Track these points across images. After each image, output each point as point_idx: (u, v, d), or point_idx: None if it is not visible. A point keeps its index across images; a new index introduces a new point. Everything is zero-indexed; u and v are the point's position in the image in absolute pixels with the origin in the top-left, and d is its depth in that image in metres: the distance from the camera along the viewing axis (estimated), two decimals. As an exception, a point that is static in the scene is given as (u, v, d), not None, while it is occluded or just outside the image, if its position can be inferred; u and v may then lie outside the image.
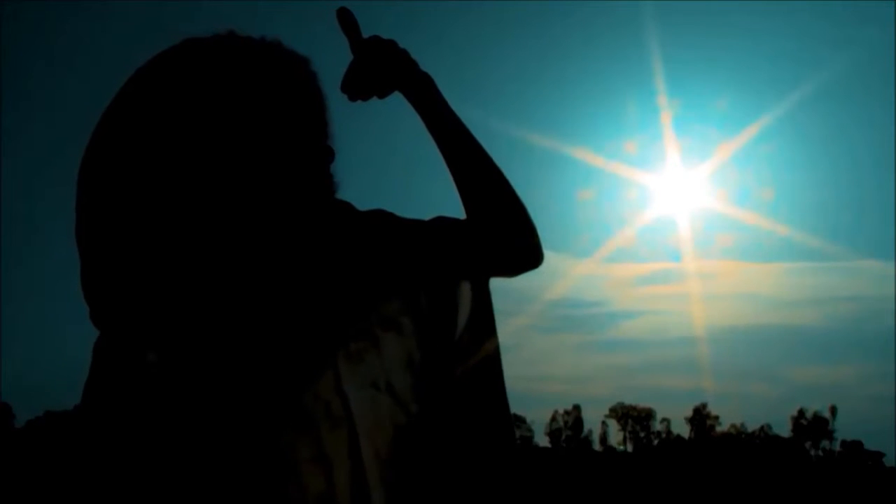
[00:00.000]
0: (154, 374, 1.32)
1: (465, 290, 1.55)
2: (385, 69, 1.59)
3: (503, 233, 1.61)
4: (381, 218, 1.56)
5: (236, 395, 1.32)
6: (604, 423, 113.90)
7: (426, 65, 1.65)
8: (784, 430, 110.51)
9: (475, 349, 1.52)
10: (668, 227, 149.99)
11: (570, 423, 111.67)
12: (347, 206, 1.54)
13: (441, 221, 1.61)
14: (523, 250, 1.64)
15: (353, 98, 1.60)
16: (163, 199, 1.35)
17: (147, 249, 1.34)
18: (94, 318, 1.38)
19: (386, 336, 1.42)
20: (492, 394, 1.53)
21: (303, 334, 1.37)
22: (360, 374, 1.38)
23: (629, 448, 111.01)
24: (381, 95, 1.63)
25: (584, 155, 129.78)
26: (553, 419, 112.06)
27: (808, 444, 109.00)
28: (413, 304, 1.46)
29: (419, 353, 1.45)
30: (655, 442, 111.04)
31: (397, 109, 1.63)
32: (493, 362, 1.55)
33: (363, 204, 1.57)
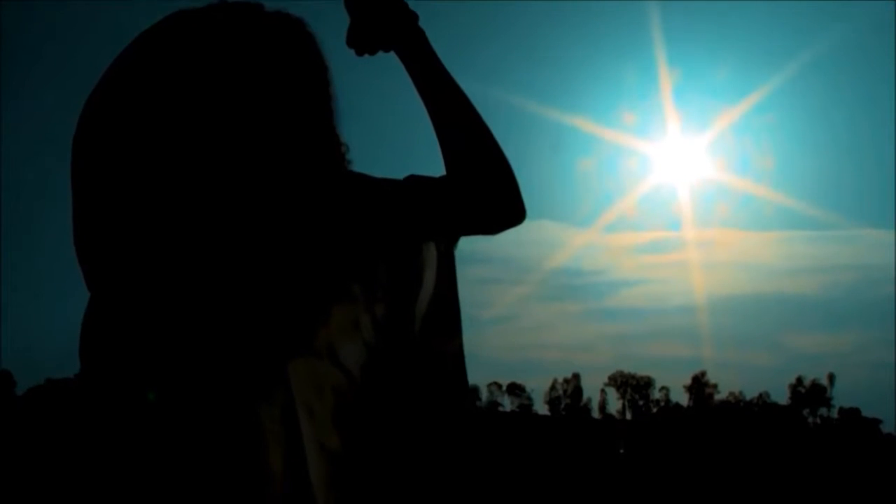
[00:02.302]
0: (142, 338, 1.33)
1: (431, 260, 1.55)
2: (378, 23, 1.59)
3: (485, 186, 1.58)
4: (354, 181, 1.55)
5: (201, 360, 1.32)
6: (603, 391, 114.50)
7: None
8: (782, 397, 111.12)
9: (438, 323, 1.52)
10: (667, 196, 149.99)
11: (569, 392, 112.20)
12: (351, 174, 1.56)
13: (413, 180, 1.58)
14: (505, 205, 1.60)
15: (359, 53, 1.61)
16: (157, 163, 1.35)
17: (141, 212, 1.35)
18: (88, 280, 1.38)
19: (334, 303, 1.41)
20: (449, 363, 1.53)
21: (260, 299, 1.36)
22: (302, 341, 1.37)
23: (628, 416, 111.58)
24: (386, 49, 1.62)
25: (584, 124, 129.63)
26: (552, 387, 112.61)
27: (805, 412, 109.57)
28: (367, 272, 1.45)
29: (368, 319, 1.42)
30: (654, 410, 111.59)
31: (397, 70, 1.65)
32: (454, 336, 1.55)
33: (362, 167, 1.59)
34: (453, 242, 1.61)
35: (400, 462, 1.42)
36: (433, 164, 1.63)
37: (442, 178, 1.60)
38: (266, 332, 1.35)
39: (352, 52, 1.62)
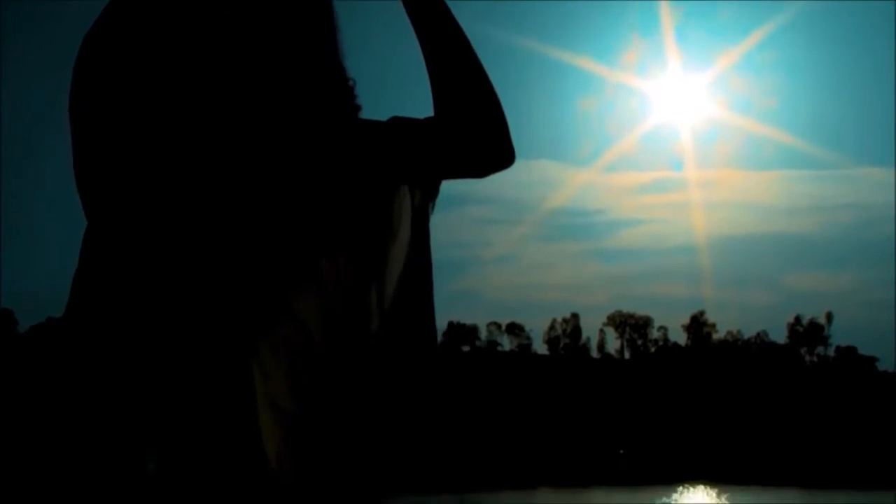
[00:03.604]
0: (134, 273, 1.33)
1: (405, 210, 1.54)
2: None
3: (473, 126, 1.54)
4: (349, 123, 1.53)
5: (186, 302, 1.32)
6: (602, 330, 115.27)
7: None
8: (780, 336, 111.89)
9: (409, 291, 1.51)
10: (669, 135, 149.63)
11: (568, 331, 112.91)
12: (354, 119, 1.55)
13: (396, 121, 1.56)
14: (493, 146, 1.57)
15: None
16: (157, 96, 1.35)
17: (140, 143, 1.35)
18: (87, 210, 1.38)
19: (296, 255, 1.40)
20: (417, 326, 1.52)
21: (239, 248, 1.37)
22: (265, 297, 1.37)
23: (626, 355, 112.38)
24: None
25: (584, 63, 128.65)
26: (551, 327, 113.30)
27: (803, 351, 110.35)
28: (333, 221, 1.44)
29: (332, 273, 1.41)
30: (652, 349, 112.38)
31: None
32: (425, 305, 1.54)
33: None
34: (432, 192, 1.60)
35: (358, 422, 1.42)
36: (427, 108, 1.67)
37: (427, 119, 1.57)
38: (240, 284, 1.35)
39: None
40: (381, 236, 1.47)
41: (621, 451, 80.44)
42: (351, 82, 1.50)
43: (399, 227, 1.50)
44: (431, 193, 1.57)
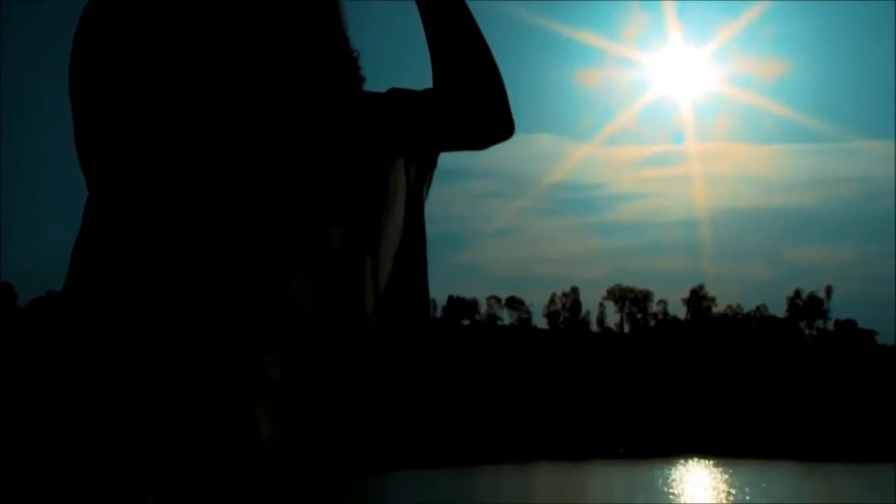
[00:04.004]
0: (139, 238, 1.34)
1: (399, 185, 1.51)
2: None
3: (473, 97, 1.54)
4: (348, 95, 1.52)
5: (185, 276, 1.33)
6: (601, 304, 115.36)
7: None
8: (780, 310, 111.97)
9: (404, 272, 1.50)
10: (669, 108, 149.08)
11: (567, 305, 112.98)
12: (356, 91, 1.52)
13: (394, 93, 1.54)
14: (493, 118, 1.55)
15: None
16: (157, 66, 1.35)
17: (140, 113, 1.34)
18: (87, 177, 1.39)
19: (291, 229, 1.40)
20: (411, 307, 1.51)
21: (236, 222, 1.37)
22: (259, 270, 1.37)
23: (626, 329, 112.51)
24: None
25: (585, 36, 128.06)
26: (551, 301, 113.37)
27: (802, 324, 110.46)
28: (328, 195, 1.43)
29: (324, 247, 1.41)
30: (652, 323, 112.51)
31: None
32: (420, 289, 1.52)
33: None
34: (430, 164, 1.56)
35: (351, 398, 1.40)
36: (425, 80, 1.59)
37: (426, 90, 1.55)
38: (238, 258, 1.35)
39: None
40: (375, 210, 1.46)
41: (621, 451, 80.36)
42: (355, 53, 1.49)
43: (394, 202, 1.49)
44: (429, 166, 1.57)
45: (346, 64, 1.49)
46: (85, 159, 1.38)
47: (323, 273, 1.39)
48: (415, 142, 1.53)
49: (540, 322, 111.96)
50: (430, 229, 1.56)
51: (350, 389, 1.40)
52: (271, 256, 1.36)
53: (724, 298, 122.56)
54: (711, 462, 65.65)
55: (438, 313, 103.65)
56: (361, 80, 1.51)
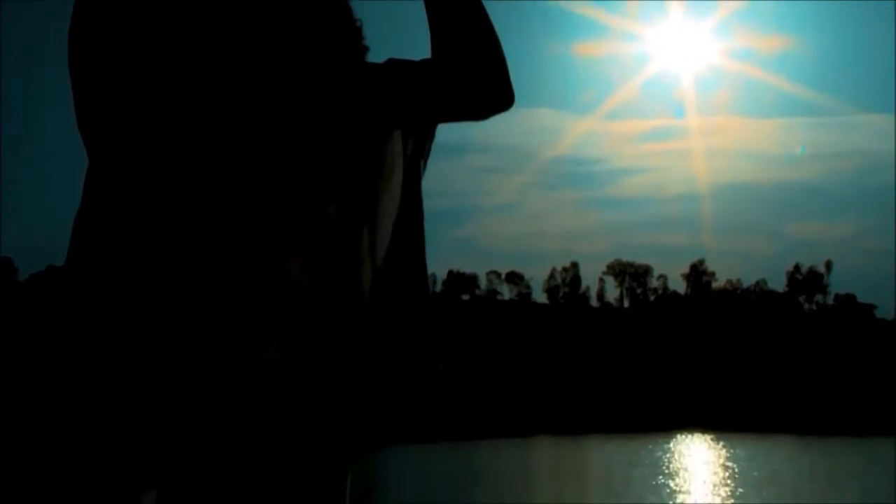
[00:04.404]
0: (139, 208, 1.33)
1: (397, 156, 1.48)
2: None
3: (472, 67, 1.51)
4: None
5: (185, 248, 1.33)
6: (601, 279, 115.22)
7: None
8: (779, 285, 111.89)
9: (401, 248, 1.48)
10: (670, 82, 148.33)
11: (567, 280, 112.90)
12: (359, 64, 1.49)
13: (392, 63, 1.53)
14: (492, 88, 1.53)
15: None
16: (158, 30, 1.35)
17: (140, 75, 1.34)
18: (88, 145, 1.38)
19: (287, 205, 1.38)
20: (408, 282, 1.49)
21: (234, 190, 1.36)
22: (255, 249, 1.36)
23: (626, 304, 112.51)
24: None
25: (585, 10, 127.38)
26: (551, 276, 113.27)
27: (801, 299, 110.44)
28: (325, 165, 1.41)
29: (319, 219, 1.40)
30: (652, 298, 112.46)
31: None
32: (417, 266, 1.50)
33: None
34: (429, 135, 1.54)
35: (348, 372, 1.39)
36: (423, 52, 1.58)
37: (425, 60, 1.53)
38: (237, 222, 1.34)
39: None
40: (373, 183, 1.45)
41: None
42: (358, 23, 1.48)
43: (392, 175, 1.48)
44: (427, 137, 1.55)
45: (349, 34, 1.47)
46: (85, 129, 1.37)
47: (319, 247, 1.37)
48: (413, 113, 1.50)
49: (540, 297, 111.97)
50: (431, 204, 1.54)
51: (350, 366, 1.38)
52: (268, 232, 1.35)
53: (724, 273, 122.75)
54: (711, 436, 65.79)
55: (438, 288, 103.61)
56: (365, 49, 1.50)
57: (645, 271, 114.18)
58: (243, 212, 1.34)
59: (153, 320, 1.30)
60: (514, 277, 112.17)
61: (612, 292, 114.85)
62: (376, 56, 1.51)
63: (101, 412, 1.28)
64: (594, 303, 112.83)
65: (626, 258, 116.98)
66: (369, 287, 1.42)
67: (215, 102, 1.35)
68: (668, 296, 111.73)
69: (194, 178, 1.33)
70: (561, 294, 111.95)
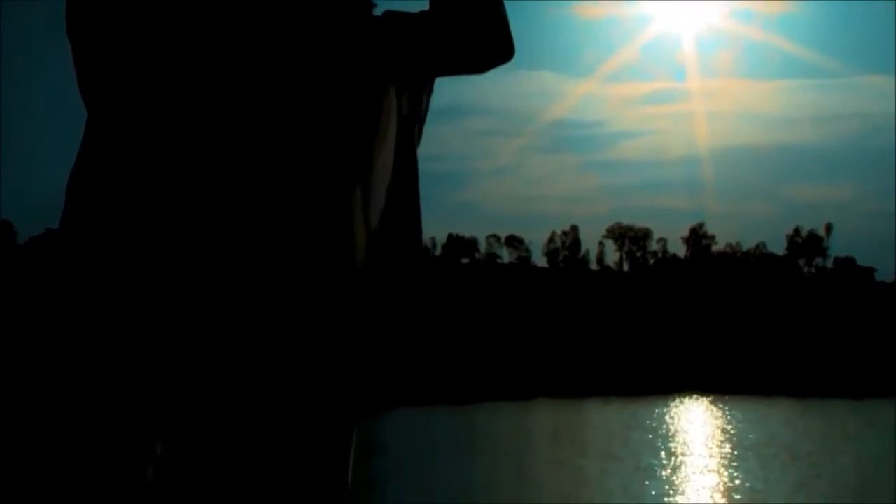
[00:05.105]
0: (144, 157, 1.32)
1: (391, 112, 1.46)
2: None
3: (474, 17, 1.49)
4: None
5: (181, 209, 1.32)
6: (601, 243, 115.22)
7: None
8: (779, 248, 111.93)
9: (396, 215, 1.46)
10: (672, 44, 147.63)
11: (567, 244, 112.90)
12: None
13: (388, 15, 1.51)
14: (491, 38, 1.51)
15: None
16: None
17: (140, 29, 1.33)
18: (88, 103, 1.37)
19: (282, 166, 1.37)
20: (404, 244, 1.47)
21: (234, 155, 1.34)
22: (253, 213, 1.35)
23: (625, 267, 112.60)
24: None
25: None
26: (551, 239, 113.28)
27: (801, 262, 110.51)
28: (321, 121, 1.39)
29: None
30: (651, 261, 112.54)
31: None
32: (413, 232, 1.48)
33: None
34: (427, 88, 1.52)
35: (338, 332, 1.38)
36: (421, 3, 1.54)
37: (423, 12, 1.51)
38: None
39: None
40: (367, 139, 1.42)
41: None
42: None
43: (386, 132, 1.45)
44: (425, 92, 1.53)
45: None
46: (85, 86, 1.36)
47: (313, 202, 1.36)
48: (411, 64, 1.48)
49: (539, 260, 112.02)
50: (430, 167, 1.56)
51: (343, 325, 1.37)
52: (262, 188, 1.33)
53: (723, 236, 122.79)
54: (709, 399, 66.13)
55: (438, 252, 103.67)
56: (371, 4, 1.48)
57: (645, 234, 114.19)
58: (241, 170, 1.32)
59: (149, 279, 1.29)
60: (513, 241, 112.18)
61: (612, 256, 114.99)
62: (376, 8, 1.49)
63: (105, 367, 1.27)
64: (594, 266, 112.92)
65: (625, 221, 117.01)
66: (362, 244, 1.40)
67: (215, 56, 1.34)
68: (667, 259, 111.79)
69: (195, 134, 1.32)
70: (560, 257, 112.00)
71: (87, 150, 1.35)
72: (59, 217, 1.34)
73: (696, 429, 37.67)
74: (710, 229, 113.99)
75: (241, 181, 1.32)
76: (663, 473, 20.66)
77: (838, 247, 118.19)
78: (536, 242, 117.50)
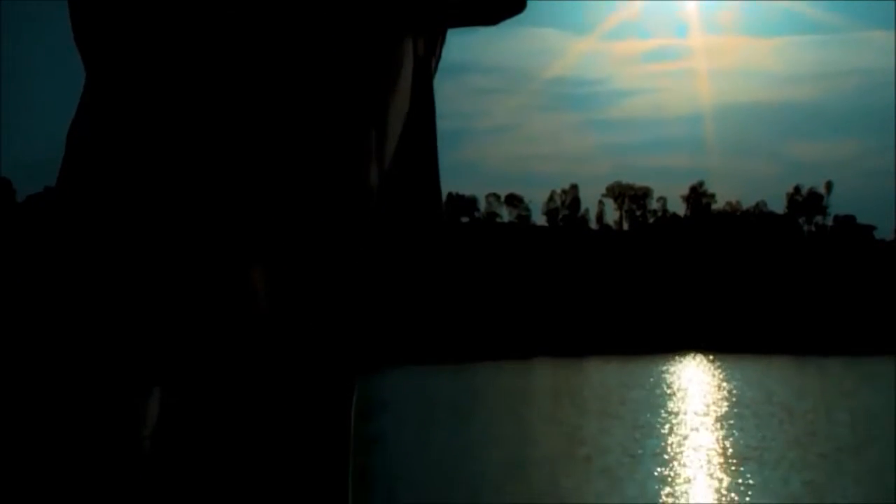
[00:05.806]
0: (144, 120, 1.31)
1: (406, 61, 1.44)
2: None
3: None
4: None
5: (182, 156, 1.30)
6: (601, 201, 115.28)
7: None
8: (779, 206, 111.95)
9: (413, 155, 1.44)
10: (673, 0, 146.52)
11: (567, 203, 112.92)
12: None
13: None
14: None
15: None
16: None
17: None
18: (85, 58, 1.36)
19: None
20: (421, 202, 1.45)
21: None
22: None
23: (625, 226, 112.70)
24: None
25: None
26: (550, 198, 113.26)
27: (801, 220, 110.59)
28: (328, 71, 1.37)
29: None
30: (651, 220, 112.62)
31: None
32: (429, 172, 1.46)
33: None
34: (440, 39, 1.51)
35: (347, 277, 1.36)
36: None
37: None
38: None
39: None
40: (381, 83, 1.39)
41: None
42: None
43: (400, 75, 1.42)
44: (439, 42, 1.51)
45: None
46: (82, 41, 1.34)
47: (323, 143, 1.33)
48: (426, 13, 1.46)
49: (539, 219, 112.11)
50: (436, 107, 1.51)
51: (353, 270, 1.36)
52: (269, 135, 1.31)
53: (723, 195, 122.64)
54: (708, 357, 66.53)
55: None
56: None
57: (644, 193, 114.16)
58: (245, 122, 1.30)
59: (149, 236, 1.27)
60: (513, 200, 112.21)
61: (612, 214, 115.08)
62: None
63: (100, 312, 1.26)
64: (593, 225, 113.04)
65: (625, 180, 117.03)
66: (376, 185, 1.38)
67: (216, 6, 1.31)
68: (667, 218, 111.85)
69: (197, 82, 1.30)
70: (560, 216, 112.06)
71: (87, 105, 1.33)
72: (57, 174, 1.32)
73: (695, 387, 37.96)
74: (710, 188, 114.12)
75: (247, 130, 1.30)
76: (661, 431, 20.89)
77: (838, 205, 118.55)
78: (536, 201, 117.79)
